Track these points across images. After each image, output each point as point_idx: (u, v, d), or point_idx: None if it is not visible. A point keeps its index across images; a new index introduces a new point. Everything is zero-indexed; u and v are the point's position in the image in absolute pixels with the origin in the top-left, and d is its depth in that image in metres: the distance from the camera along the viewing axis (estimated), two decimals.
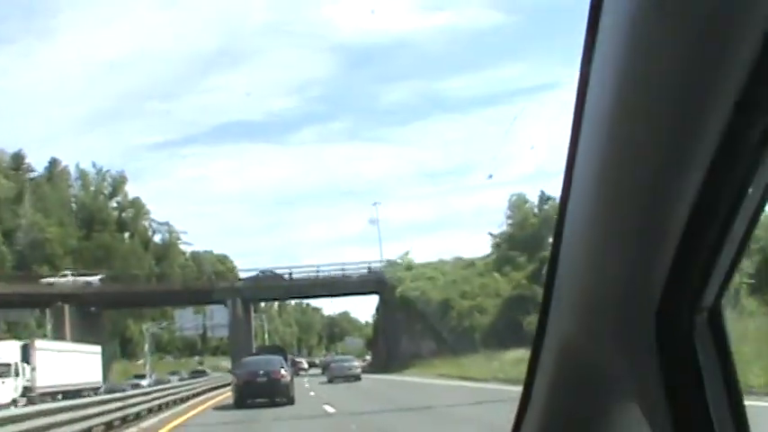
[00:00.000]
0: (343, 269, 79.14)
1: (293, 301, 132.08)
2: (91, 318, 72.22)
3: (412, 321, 65.13)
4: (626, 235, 1.13)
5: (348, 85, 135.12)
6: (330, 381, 47.83)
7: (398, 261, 73.87)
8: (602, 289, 1.24)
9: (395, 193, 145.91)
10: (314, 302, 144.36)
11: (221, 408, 28.93)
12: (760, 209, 1.05)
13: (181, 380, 55.90)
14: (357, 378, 48.45)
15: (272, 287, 79.01)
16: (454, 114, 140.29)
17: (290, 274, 79.62)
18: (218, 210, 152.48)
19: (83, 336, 62.27)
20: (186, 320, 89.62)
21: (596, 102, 1.11)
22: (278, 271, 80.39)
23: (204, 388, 43.55)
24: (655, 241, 1.08)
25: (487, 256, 70.52)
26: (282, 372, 28.07)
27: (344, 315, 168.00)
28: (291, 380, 28.47)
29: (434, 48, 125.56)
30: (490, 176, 60.77)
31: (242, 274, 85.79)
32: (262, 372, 27.84)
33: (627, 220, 1.11)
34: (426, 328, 62.90)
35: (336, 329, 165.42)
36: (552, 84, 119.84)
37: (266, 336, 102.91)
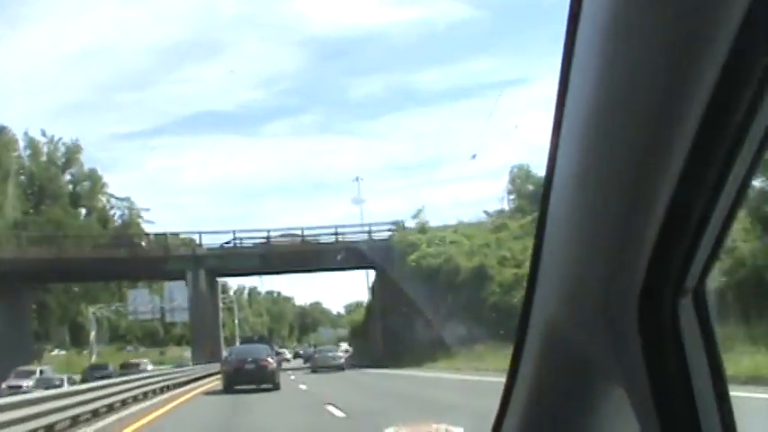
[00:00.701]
0: (336, 233, 65.07)
1: (264, 291, 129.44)
2: (12, 296, 55.99)
3: (432, 298, 47.74)
4: (608, 217, 1.12)
5: (319, 77, 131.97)
6: (314, 371, 46.40)
7: (405, 224, 62.01)
8: (586, 273, 1.24)
9: (367, 187, 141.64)
10: (286, 291, 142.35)
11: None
12: (743, 188, 1.03)
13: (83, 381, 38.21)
14: (341, 368, 47.09)
15: (244, 255, 62.81)
16: (426, 108, 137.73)
17: (268, 237, 64.49)
18: (188, 201, 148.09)
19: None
20: (141, 302, 73.94)
21: (579, 87, 1.11)
22: (251, 239, 65.84)
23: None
24: (637, 223, 1.07)
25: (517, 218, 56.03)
26: (269, 360, 30.08)
27: (316, 305, 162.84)
28: (277, 367, 29.99)
29: (406, 41, 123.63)
30: (473, 157, 59.48)
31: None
32: (250, 359, 29.45)
33: (609, 203, 1.11)
34: (455, 305, 45.83)
35: (308, 320, 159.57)
36: (523, 78, 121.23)
37: (236, 325, 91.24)
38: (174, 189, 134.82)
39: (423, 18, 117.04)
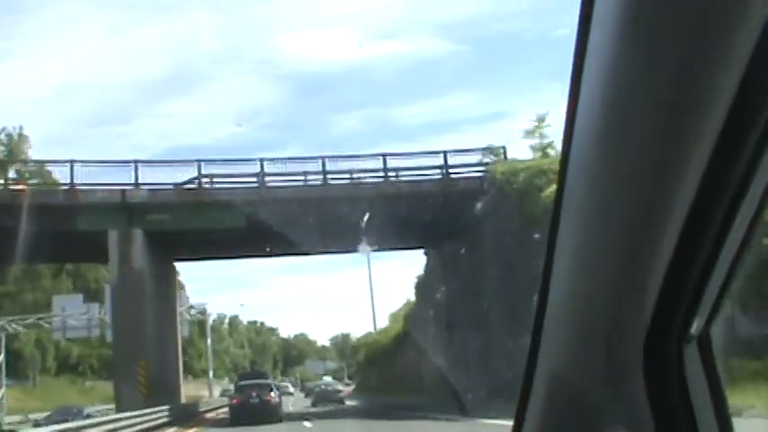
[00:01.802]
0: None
1: (246, 321, 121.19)
2: None
3: None
4: (614, 265, 1.11)
5: (299, 112, 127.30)
6: (314, 404, 44.99)
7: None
8: (591, 320, 1.22)
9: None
10: (270, 321, 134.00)
11: None
12: (748, 238, 1.02)
13: None
14: (341, 402, 44.98)
15: (219, 206, 30.05)
16: (405, 143, 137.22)
17: (262, 170, 32.86)
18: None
19: None
20: (71, 311, 45.74)
21: (582, 133, 1.10)
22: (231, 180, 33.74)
23: None
24: (642, 272, 1.06)
25: None
26: (272, 395, 30.83)
27: (301, 337, 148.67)
28: (280, 401, 31.71)
29: (386, 76, 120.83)
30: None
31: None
32: (255, 394, 30.26)
33: (614, 250, 1.10)
34: None
35: (294, 352, 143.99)
36: (503, 113, 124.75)
37: (209, 357, 70.38)
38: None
39: (403, 53, 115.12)
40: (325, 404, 42.14)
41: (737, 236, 0.99)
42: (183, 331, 49.91)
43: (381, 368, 51.16)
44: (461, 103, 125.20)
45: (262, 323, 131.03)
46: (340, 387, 50.77)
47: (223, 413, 32.92)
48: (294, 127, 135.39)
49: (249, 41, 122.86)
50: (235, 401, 30.56)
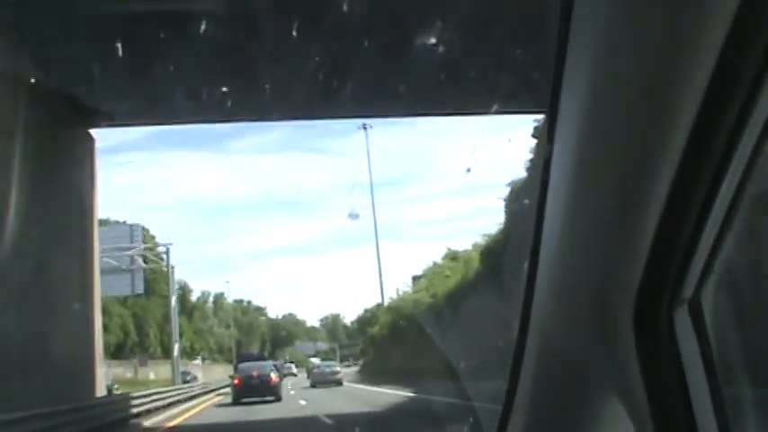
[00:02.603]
0: None
1: (232, 299, 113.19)
2: None
3: None
4: (602, 230, 1.13)
5: None
6: (313, 385, 46.59)
7: None
8: (581, 285, 1.24)
9: (333, 205, 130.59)
10: (258, 300, 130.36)
11: None
12: (737, 196, 1.03)
13: None
14: (339, 383, 46.40)
15: None
16: (394, 126, 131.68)
17: None
18: (152, 218, 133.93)
19: None
20: None
21: (571, 98, 1.12)
22: None
23: None
24: (631, 236, 1.07)
25: None
26: (272, 375, 33.46)
27: (290, 317, 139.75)
28: (280, 382, 34.51)
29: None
30: (468, 170, 43.88)
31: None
32: (256, 374, 32.97)
33: (602, 215, 1.11)
34: None
35: (283, 333, 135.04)
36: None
37: (174, 329, 55.76)
38: (138, 207, 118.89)
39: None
40: (323, 385, 44.57)
41: (726, 197, 1.00)
42: (136, 286, 42.68)
43: (410, 342, 41.66)
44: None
45: (249, 302, 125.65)
46: (337, 368, 52.57)
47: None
48: None
49: None
50: (237, 382, 32.89)
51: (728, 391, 1.18)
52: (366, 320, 68.18)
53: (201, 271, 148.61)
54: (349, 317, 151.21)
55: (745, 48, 0.86)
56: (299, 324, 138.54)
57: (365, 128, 68.57)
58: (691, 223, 1.02)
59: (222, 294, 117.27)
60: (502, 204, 31.11)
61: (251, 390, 31.63)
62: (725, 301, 1.24)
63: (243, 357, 43.90)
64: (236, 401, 30.98)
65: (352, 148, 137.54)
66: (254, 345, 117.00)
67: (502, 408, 1.66)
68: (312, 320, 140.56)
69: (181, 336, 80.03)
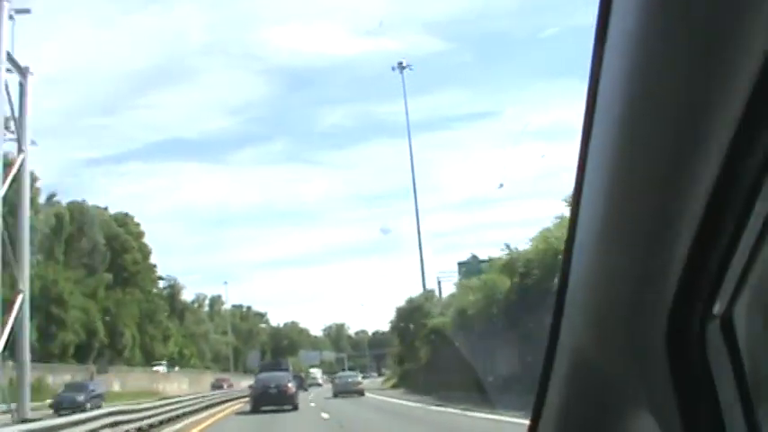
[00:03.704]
0: None
1: (230, 304, 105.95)
2: None
3: None
4: (635, 244, 1.13)
5: (286, 106, 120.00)
6: (336, 395, 48.88)
7: None
8: (613, 299, 1.24)
9: (332, 216, 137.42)
10: (258, 306, 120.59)
11: None
12: None
13: None
14: (361, 393, 48.56)
15: None
16: (392, 139, 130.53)
17: None
18: (153, 228, 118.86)
19: None
20: None
21: (604, 115, 1.12)
22: None
23: None
24: (664, 249, 1.07)
25: None
26: (289, 385, 35.19)
27: (293, 325, 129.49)
28: (296, 391, 36.52)
29: (374, 71, 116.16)
30: (501, 186, 47.03)
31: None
32: (273, 385, 34.62)
33: (635, 229, 1.12)
34: None
35: (285, 342, 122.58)
36: (492, 112, 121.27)
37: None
38: (140, 216, 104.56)
39: (391, 49, 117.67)
40: (346, 395, 47.04)
41: (761, 213, 1.00)
42: None
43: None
44: (447, 100, 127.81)
45: (248, 307, 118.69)
46: (359, 379, 54.57)
47: None
48: (281, 121, 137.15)
49: (236, 34, 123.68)
50: (256, 391, 35.31)
51: (762, 409, 1.15)
52: (407, 314, 54.91)
53: (201, 282, 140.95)
54: (354, 327, 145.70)
55: None
56: (303, 333, 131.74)
57: (401, 67, 58.84)
58: (725, 237, 1.02)
59: (219, 297, 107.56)
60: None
61: (268, 398, 33.85)
62: (758, 318, 1.19)
63: (264, 366, 46.39)
64: (255, 410, 33.44)
65: (350, 160, 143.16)
66: (254, 353, 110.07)
67: (528, 426, 1.66)
68: (315, 330, 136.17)
69: (167, 338, 66.95)
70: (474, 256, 48.32)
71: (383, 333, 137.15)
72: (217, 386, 62.77)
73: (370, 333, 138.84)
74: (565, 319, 1.40)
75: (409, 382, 52.23)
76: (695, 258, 1.03)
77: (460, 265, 50.90)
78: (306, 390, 61.42)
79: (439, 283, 56.57)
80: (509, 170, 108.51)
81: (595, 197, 1.20)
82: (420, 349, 49.53)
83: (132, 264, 64.78)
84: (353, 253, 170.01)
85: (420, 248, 57.10)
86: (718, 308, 1.11)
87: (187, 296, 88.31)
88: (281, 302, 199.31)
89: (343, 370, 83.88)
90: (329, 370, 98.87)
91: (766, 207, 0.99)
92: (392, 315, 57.31)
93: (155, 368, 63.46)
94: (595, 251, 1.24)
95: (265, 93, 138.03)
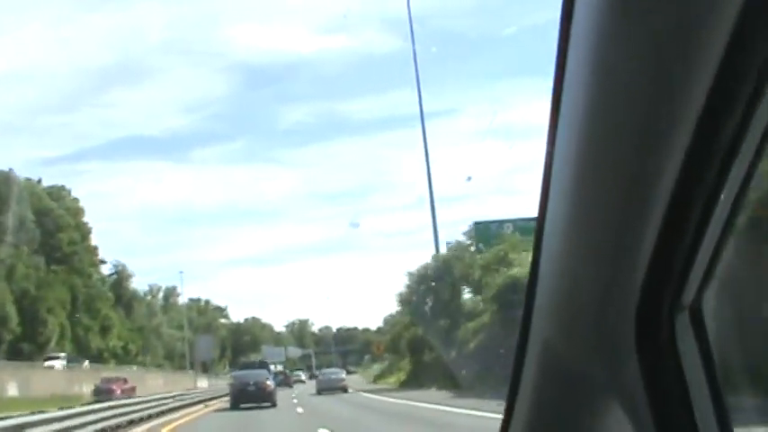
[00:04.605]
0: None
1: (187, 297, 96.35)
2: None
3: None
4: (602, 238, 1.16)
5: (248, 104, 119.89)
6: (319, 392, 47.42)
7: None
8: (581, 292, 1.27)
9: (294, 215, 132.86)
10: (218, 300, 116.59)
11: None
12: (737, 203, 1.05)
13: None
14: (344, 390, 47.73)
15: None
16: (353, 137, 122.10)
17: None
18: (116, 228, 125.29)
19: None
20: None
21: (570, 110, 1.15)
22: None
23: None
24: (631, 242, 1.10)
25: None
26: (268, 383, 35.45)
27: (255, 321, 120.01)
28: (274, 389, 36.77)
29: (334, 69, 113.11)
30: (469, 179, 48.45)
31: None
32: (252, 382, 34.96)
33: (602, 222, 1.14)
34: None
35: (246, 338, 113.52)
36: (451, 110, 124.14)
37: None
38: (101, 216, 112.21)
39: (351, 47, 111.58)
40: (330, 392, 46.97)
41: (727, 202, 1.03)
42: None
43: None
44: (408, 99, 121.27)
45: (207, 301, 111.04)
46: (342, 376, 53.84)
47: None
48: (242, 119, 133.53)
49: (198, 32, 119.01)
50: (235, 389, 35.87)
51: (730, 397, 1.20)
52: (435, 275, 43.51)
53: (161, 281, 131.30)
54: (319, 322, 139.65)
55: (748, 53, 0.87)
56: (266, 328, 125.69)
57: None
58: (692, 228, 1.04)
59: (174, 289, 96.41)
60: None
61: (247, 395, 34.08)
62: (726, 307, 1.23)
63: (244, 365, 46.61)
64: (234, 407, 33.88)
65: (313, 158, 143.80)
66: (206, 339, 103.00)
67: (503, 417, 1.66)
68: (278, 326, 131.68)
69: (107, 330, 56.06)
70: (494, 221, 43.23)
71: (348, 329, 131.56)
72: (103, 391, 40.71)
73: (334, 329, 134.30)
74: (535, 313, 1.41)
75: (431, 376, 39.90)
76: (662, 250, 1.05)
77: (477, 224, 44.44)
78: (291, 387, 62.37)
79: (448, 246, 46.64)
80: (475, 166, 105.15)
81: (562, 190, 1.21)
82: (466, 324, 37.22)
83: (68, 244, 54.34)
84: (317, 251, 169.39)
85: (432, 202, 49.41)
86: (686, 298, 1.13)
87: (139, 286, 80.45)
88: (243, 301, 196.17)
89: (317, 367, 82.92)
90: (293, 367, 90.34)
91: (731, 198, 1.01)
92: (394, 297, 47.83)
93: (47, 363, 46.53)
94: (563, 244, 1.25)
95: (227, 90, 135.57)
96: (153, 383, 52.20)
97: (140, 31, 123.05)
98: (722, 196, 1.00)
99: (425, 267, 45.11)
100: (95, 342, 54.56)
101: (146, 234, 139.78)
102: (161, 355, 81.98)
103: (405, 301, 47.45)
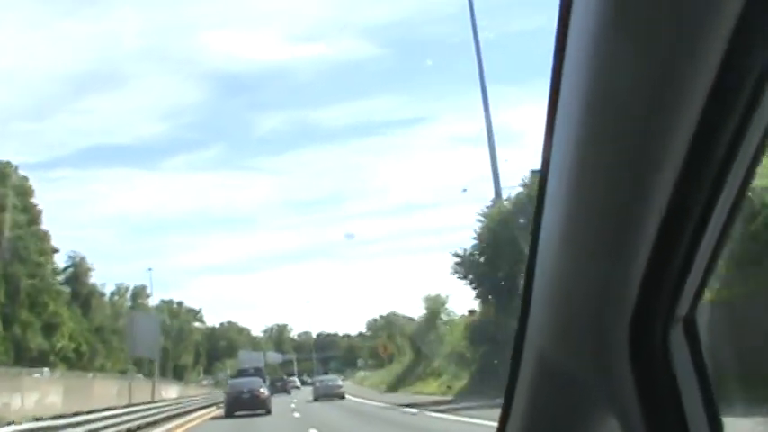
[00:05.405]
0: None
1: (159, 299, 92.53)
2: None
3: None
4: (598, 248, 1.18)
5: (221, 112, 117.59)
6: (316, 399, 48.30)
7: None
8: (577, 302, 1.28)
9: (268, 223, 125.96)
10: (192, 302, 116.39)
11: None
12: (731, 217, 1.07)
13: None
14: (341, 397, 48.53)
15: None
16: (327, 144, 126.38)
17: None
18: (89, 235, 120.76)
19: None
20: None
21: (565, 118, 1.15)
22: None
23: None
24: (626, 253, 1.12)
25: None
26: (262, 390, 35.65)
27: (231, 326, 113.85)
28: (269, 396, 37.22)
29: (308, 77, 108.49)
30: (464, 191, 50.87)
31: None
32: (246, 390, 35.08)
33: (598, 233, 1.16)
34: None
35: (223, 342, 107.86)
36: (424, 117, 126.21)
37: None
38: (74, 223, 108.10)
39: (325, 55, 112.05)
40: (327, 398, 48.00)
41: (721, 215, 1.04)
42: None
43: None
44: (383, 106, 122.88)
45: (179, 303, 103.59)
46: (339, 382, 53.98)
47: None
48: (216, 127, 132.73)
49: (172, 39, 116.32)
50: (229, 396, 36.12)
51: (724, 408, 1.21)
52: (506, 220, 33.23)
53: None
54: (298, 328, 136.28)
55: (747, 58, 0.87)
56: (243, 333, 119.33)
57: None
58: (686, 241, 1.06)
59: (144, 288, 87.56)
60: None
61: (241, 403, 33.86)
62: (720, 319, 1.36)
63: (240, 373, 45.85)
64: (229, 415, 33.83)
65: (285, 166, 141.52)
66: (187, 356, 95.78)
67: (497, 426, 1.66)
68: (256, 331, 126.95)
69: (53, 328, 47.16)
70: None
71: (328, 335, 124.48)
72: None
73: (314, 335, 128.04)
74: (530, 321, 1.42)
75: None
76: (657, 262, 1.06)
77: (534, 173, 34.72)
78: (289, 393, 62.21)
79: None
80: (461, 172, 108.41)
81: (556, 200, 1.22)
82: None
83: (13, 227, 45.28)
84: (292, 258, 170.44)
85: (490, 137, 41.97)
86: (680, 310, 1.15)
87: (107, 288, 71.69)
88: (218, 309, 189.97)
89: (304, 373, 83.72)
90: (273, 374, 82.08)
91: (726, 209, 1.03)
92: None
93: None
94: (559, 255, 1.26)
95: (200, 98, 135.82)
96: (101, 393, 41.13)
97: (115, 38, 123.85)
98: (716, 209, 0.99)
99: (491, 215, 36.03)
100: (36, 341, 45.46)
101: (119, 242, 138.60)
102: (126, 360, 73.07)
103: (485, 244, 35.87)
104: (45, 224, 60.60)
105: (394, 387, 58.22)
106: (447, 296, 54.29)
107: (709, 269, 1.07)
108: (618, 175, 1.04)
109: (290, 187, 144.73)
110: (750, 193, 0.94)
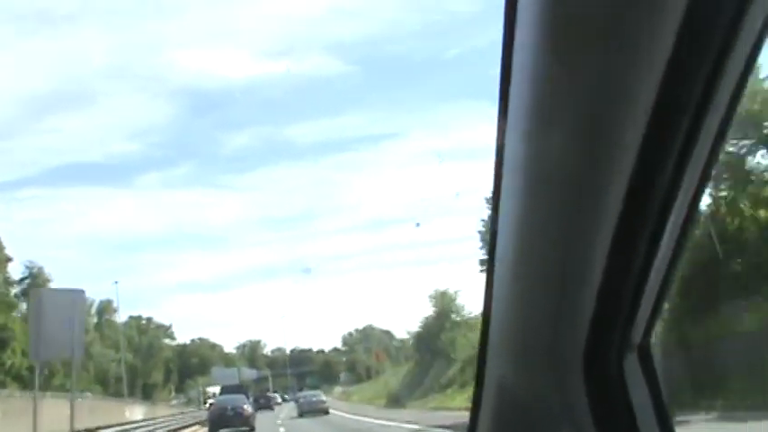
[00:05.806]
0: None
1: (127, 314, 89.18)
2: None
3: None
4: (549, 279, 1.19)
5: (192, 129, 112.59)
6: (301, 415, 47.66)
7: None
8: (532, 334, 1.31)
9: (241, 240, 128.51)
10: (161, 317, 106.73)
11: None
12: (680, 245, 1.09)
13: None
14: (326, 412, 47.05)
15: None
16: (298, 161, 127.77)
17: None
18: (60, 255, 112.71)
19: None
20: None
21: (512, 159, 1.16)
22: None
23: None
24: (579, 282, 1.13)
25: None
26: (245, 407, 35.10)
27: (203, 342, 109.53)
28: (253, 413, 36.87)
29: (278, 94, 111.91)
30: (417, 225, 47.57)
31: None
32: (230, 407, 34.59)
33: (549, 264, 1.18)
34: None
35: (194, 360, 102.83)
36: (394, 133, 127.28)
37: None
38: (44, 243, 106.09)
39: (294, 72, 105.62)
40: (311, 414, 47.71)
41: (669, 244, 1.06)
42: None
43: None
44: (353, 122, 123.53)
45: (149, 319, 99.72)
46: (323, 398, 53.25)
47: None
48: (186, 144, 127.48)
49: (140, 57, 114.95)
50: (213, 414, 36.02)
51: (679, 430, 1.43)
52: None
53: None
54: (271, 344, 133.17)
55: (691, 67, 0.86)
56: (215, 349, 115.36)
57: None
58: (636, 270, 1.07)
59: (110, 302, 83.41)
60: None
61: (225, 420, 33.75)
62: (674, 346, 1.27)
63: (224, 390, 45.82)
64: (213, 431, 35.35)
65: (257, 183, 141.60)
66: (156, 374, 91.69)
67: None
68: (228, 348, 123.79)
69: (5, 343, 42.29)
70: None
71: (302, 351, 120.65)
72: None
73: (288, 351, 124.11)
74: (489, 348, 1.44)
75: None
76: (609, 292, 1.08)
77: None
78: (272, 409, 62.29)
79: None
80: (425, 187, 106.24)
81: (510, 232, 1.24)
82: None
83: None
84: (264, 275, 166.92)
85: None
86: (634, 338, 1.17)
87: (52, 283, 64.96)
88: (191, 327, 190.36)
89: (279, 390, 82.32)
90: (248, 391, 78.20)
91: (675, 235, 1.03)
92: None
93: None
94: (513, 285, 1.29)
95: (170, 116, 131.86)
96: (52, 413, 34.35)
97: (82, 56, 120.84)
98: (664, 237, 0.99)
99: None
100: (11, 360, 40.60)
101: (89, 261, 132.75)
102: (89, 379, 67.86)
103: None
104: (9, 244, 57.25)
105: (397, 402, 50.24)
106: (456, 292, 50.75)
107: (660, 298, 1.07)
108: (566, 205, 1.03)
109: (262, 204, 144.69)
110: (699, 221, 0.90)
